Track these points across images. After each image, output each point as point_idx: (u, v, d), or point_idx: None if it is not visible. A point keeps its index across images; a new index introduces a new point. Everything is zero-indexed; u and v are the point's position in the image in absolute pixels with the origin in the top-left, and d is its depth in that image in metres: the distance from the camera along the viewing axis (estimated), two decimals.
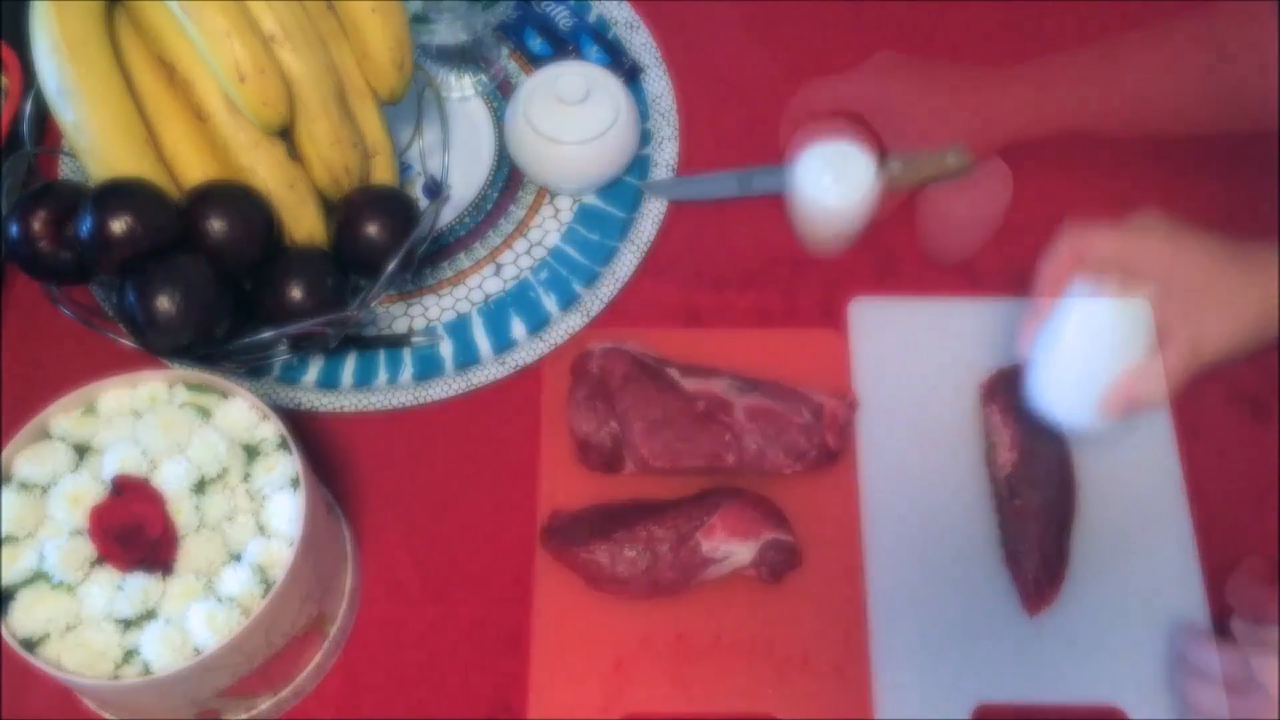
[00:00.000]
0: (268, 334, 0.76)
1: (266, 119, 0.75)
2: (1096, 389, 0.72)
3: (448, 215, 0.91)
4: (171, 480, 0.67)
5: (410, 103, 0.88)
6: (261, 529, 0.68)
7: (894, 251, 0.90)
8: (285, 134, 0.78)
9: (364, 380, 0.84)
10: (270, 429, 0.70)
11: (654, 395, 0.80)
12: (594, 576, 0.76)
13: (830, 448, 0.79)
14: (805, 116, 0.89)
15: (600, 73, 0.90)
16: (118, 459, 0.67)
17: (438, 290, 0.88)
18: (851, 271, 0.89)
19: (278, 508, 0.68)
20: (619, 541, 0.75)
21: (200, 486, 0.68)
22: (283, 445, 0.70)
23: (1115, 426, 0.74)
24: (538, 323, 0.86)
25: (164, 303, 0.72)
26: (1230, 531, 0.79)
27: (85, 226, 0.73)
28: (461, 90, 0.96)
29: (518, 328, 0.87)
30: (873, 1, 1.01)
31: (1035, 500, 0.77)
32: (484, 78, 0.97)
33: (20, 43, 0.81)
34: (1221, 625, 0.75)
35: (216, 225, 0.75)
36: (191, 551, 0.66)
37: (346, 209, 0.81)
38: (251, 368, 0.83)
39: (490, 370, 0.84)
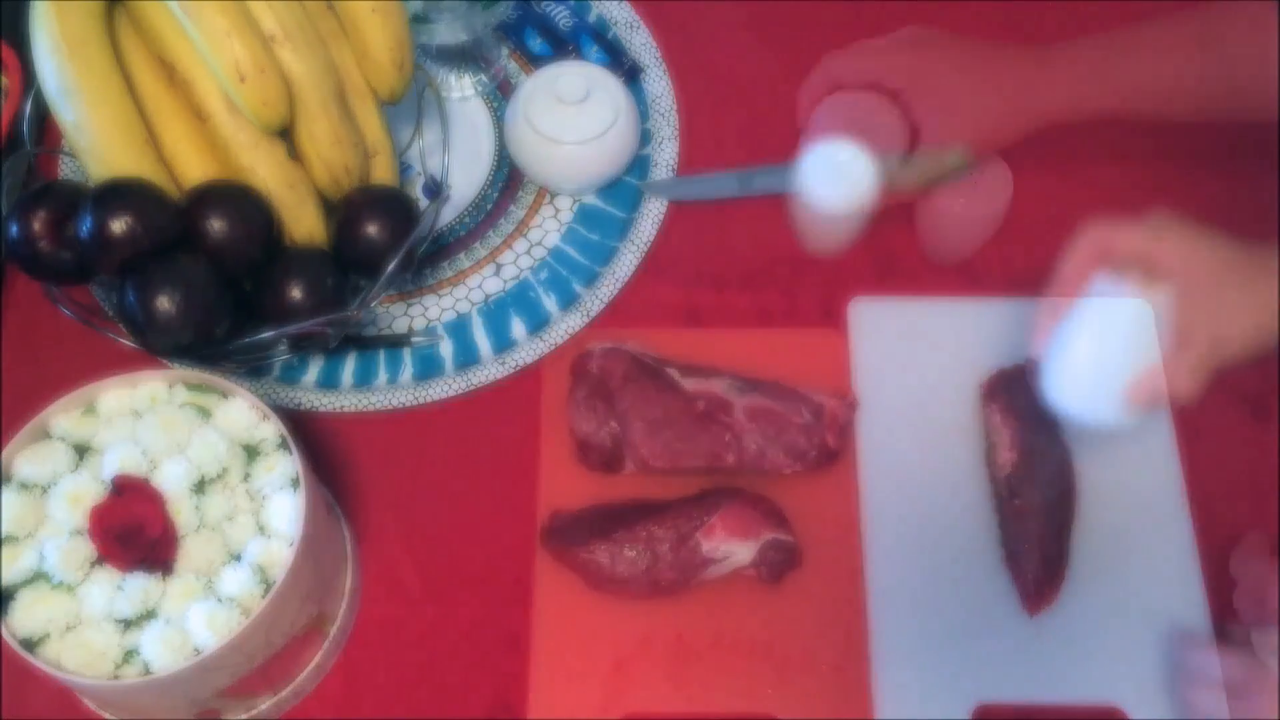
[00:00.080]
0: (268, 334, 0.76)
1: (266, 119, 0.75)
2: (1114, 386, 0.72)
3: (448, 215, 0.91)
4: (171, 480, 0.67)
5: (410, 103, 0.88)
6: (261, 529, 0.68)
7: (894, 251, 0.90)
8: (285, 134, 0.78)
9: (364, 380, 0.84)
10: (270, 429, 0.70)
11: (654, 395, 0.80)
12: (594, 576, 0.76)
13: (830, 448, 0.79)
14: (828, 88, 0.85)
15: (600, 73, 0.90)
16: (118, 459, 0.67)
17: (438, 290, 0.88)
18: (851, 271, 0.89)
19: (278, 508, 0.68)
20: (619, 541, 0.75)
21: (200, 486, 0.68)
22: (283, 445, 0.70)
23: (1125, 424, 0.73)
24: (538, 323, 0.86)
25: (164, 303, 0.72)
26: (1230, 532, 0.79)
27: (85, 226, 0.73)
28: (461, 90, 0.96)
29: (518, 328, 0.87)
30: (873, 1, 1.01)
31: (1035, 500, 0.77)
32: (484, 78, 0.97)
33: (20, 43, 0.81)
34: (1221, 626, 0.75)
35: (216, 225, 0.75)
36: (191, 551, 0.66)
37: (346, 209, 0.81)
38: (251, 368, 0.83)
39: (490, 370, 0.84)
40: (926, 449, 0.82)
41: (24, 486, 0.67)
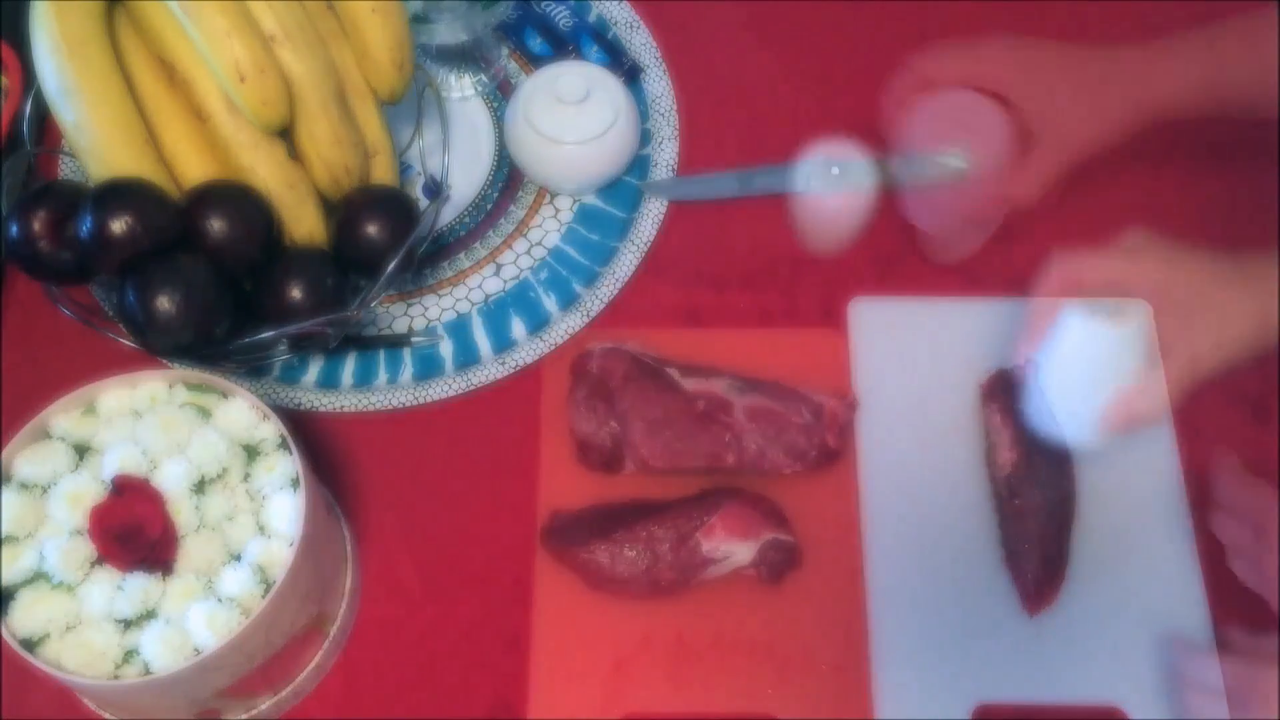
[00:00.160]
0: (268, 334, 0.76)
1: (266, 119, 0.75)
2: (1096, 406, 0.72)
3: (448, 215, 0.91)
4: (171, 480, 0.67)
5: (410, 103, 0.88)
6: (261, 529, 0.68)
7: (894, 251, 0.90)
8: (285, 134, 0.78)
9: (364, 380, 0.84)
10: (270, 429, 0.70)
11: (654, 395, 0.80)
12: (594, 576, 0.76)
13: (830, 448, 0.79)
14: (918, 89, 0.82)
15: (600, 73, 0.90)
16: (118, 459, 0.67)
17: (438, 290, 0.88)
18: (851, 271, 0.89)
19: (278, 508, 0.68)
20: (619, 541, 0.75)
21: (200, 486, 0.68)
22: (283, 445, 0.70)
23: (1115, 442, 0.74)
24: (538, 323, 0.86)
25: (164, 303, 0.72)
26: None
27: (85, 226, 0.73)
28: (461, 90, 0.96)
29: (518, 328, 0.87)
30: (873, 1, 1.01)
31: (1035, 500, 0.77)
32: (484, 78, 0.97)
33: (20, 43, 0.81)
34: (1220, 630, 0.75)
35: (216, 225, 0.75)
36: (191, 551, 0.66)
37: (346, 209, 0.81)
38: (251, 368, 0.83)
39: (490, 370, 0.84)
40: (926, 449, 0.82)
41: (24, 486, 0.67)
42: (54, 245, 0.75)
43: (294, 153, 0.79)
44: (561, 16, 0.99)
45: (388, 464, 0.82)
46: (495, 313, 0.87)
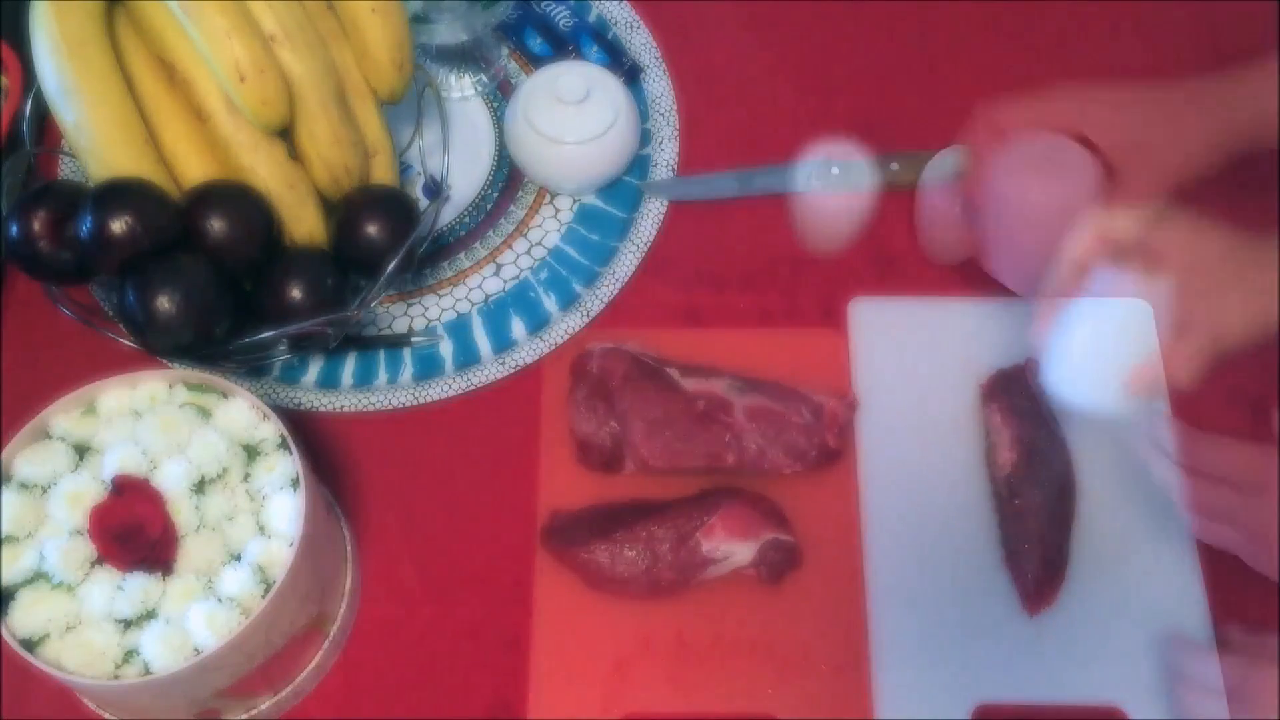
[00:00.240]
0: (268, 334, 0.76)
1: (266, 119, 0.75)
2: (1113, 375, 0.71)
3: (448, 215, 0.91)
4: (171, 480, 0.67)
5: (410, 103, 0.88)
6: (261, 529, 0.68)
7: (894, 251, 0.90)
8: (285, 134, 0.78)
9: (364, 380, 0.84)
10: (270, 429, 0.70)
11: (654, 395, 0.80)
12: (594, 576, 0.76)
13: (830, 448, 0.79)
14: (997, 137, 0.78)
15: (600, 73, 0.90)
16: (118, 459, 0.67)
17: (438, 290, 0.88)
18: (851, 271, 0.89)
19: (278, 508, 0.68)
20: (619, 541, 0.75)
21: (200, 486, 0.68)
22: (283, 445, 0.70)
23: (1123, 413, 0.73)
24: (538, 323, 0.86)
25: (164, 303, 0.72)
26: None
27: (85, 226, 0.73)
28: (461, 90, 0.96)
29: (518, 328, 0.87)
30: (873, 1, 1.01)
31: (1035, 500, 0.77)
32: (484, 78, 0.97)
33: (20, 43, 0.81)
34: (1220, 629, 0.75)
35: (216, 225, 0.75)
36: (191, 551, 0.66)
37: (346, 209, 0.81)
38: (251, 368, 0.83)
39: (490, 370, 0.84)
40: (926, 449, 0.82)
41: (24, 486, 0.67)
42: (54, 245, 0.75)
43: (294, 153, 0.79)
44: (561, 16, 0.99)
45: (388, 464, 0.82)
46: (495, 313, 0.87)
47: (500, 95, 0.97)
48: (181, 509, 0.67)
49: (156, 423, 0.68)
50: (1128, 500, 0.79)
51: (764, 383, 0.82)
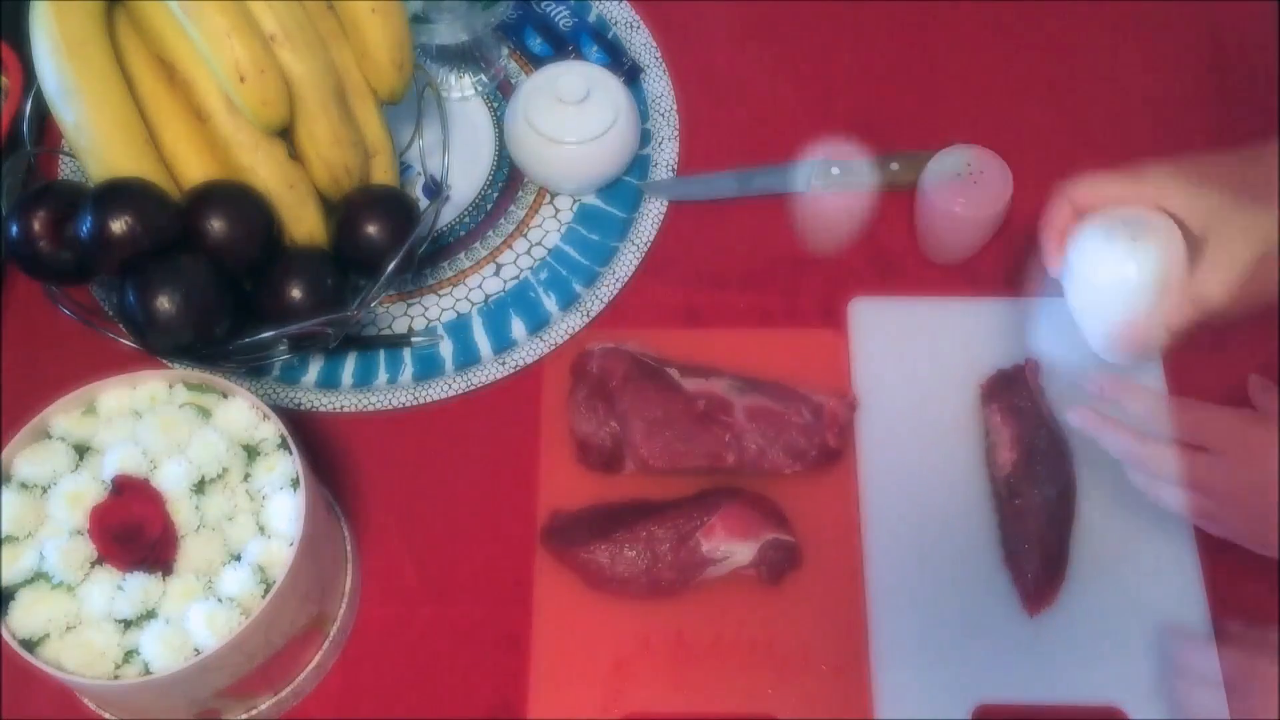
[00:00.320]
0: (268, 334, 0.76)
1: (266, 119, 0.75)
2: (1113, 321, 0.71)
3: (448, 215, 0.91)
4: (171, 480, 0.67)
5: (410, 103, 0.88)
6: (261, 529, 0.68)
7: (894, 251, 0.90)
8: (285, 134, 0.78)
9: (364, 380, 0.84)
10: (270, 429, 0.70)
11: (654, 395, 0.80)
12: (594, 576, 0.76)
13: (830, 448, 0.79)
14: (1076, 217, 0.76)
15: (600, 73, 0.90)
16: (118, 459, 0.67)
17: (438, 290, 0.88)
18: (851, 271, 0.89)
19: (278, 508, 0.68)
20: (619, 541, 0.75)
21: (200, 486, 0.68)
22: (283, 445, 0.70)
23: (1120, 361, 0.73)
24: (538, 323, 0.86)
25: (164, 303, 0.72)
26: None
27: (85, 226, 0.73)
28: (461, 90, 0.96)
29: (518, 328, 0.87)
30: (873, 1, 1.01)
31: (1035, 500, 0.77)
32: (484, 78, 0.97)
33: (20, 43, 0.81)
34: (1219, 624, 0.75)
35: (216, 225, 0.75)
36: (191, 551, 0.66)
37: (346, 209, 0.81)
38: (251, 368, 0.83)
39: (490, 370, 0.84)
40: (926, 449, 0.82)
41: (24, 486, 0.67)
42: (54, 245, 0.75)
43: (294, 153, 0.79)
44: (561, 16, 0.99)
45: (388, 464, 0.82)
46: (495, 313, 0.87)
47: (500, 95, 0.97)
48: (181, 509, 0.67)
49: (156, 423, 0.68)
50: (1128, 500, 0.79)
51: (764, 383, 0.82)
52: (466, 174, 0.93)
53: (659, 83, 0.96)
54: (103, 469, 0.68)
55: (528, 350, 0.84)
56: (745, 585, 0.77)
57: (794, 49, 0.99)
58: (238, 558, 0.67)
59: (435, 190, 0.90)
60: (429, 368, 0.85)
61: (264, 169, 0.77)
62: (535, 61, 0.97)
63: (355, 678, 0.76)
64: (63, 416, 0.70)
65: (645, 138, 0.93)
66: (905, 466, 0.81)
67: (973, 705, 0.74)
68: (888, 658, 0.75)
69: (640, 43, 0.97)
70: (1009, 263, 0.88)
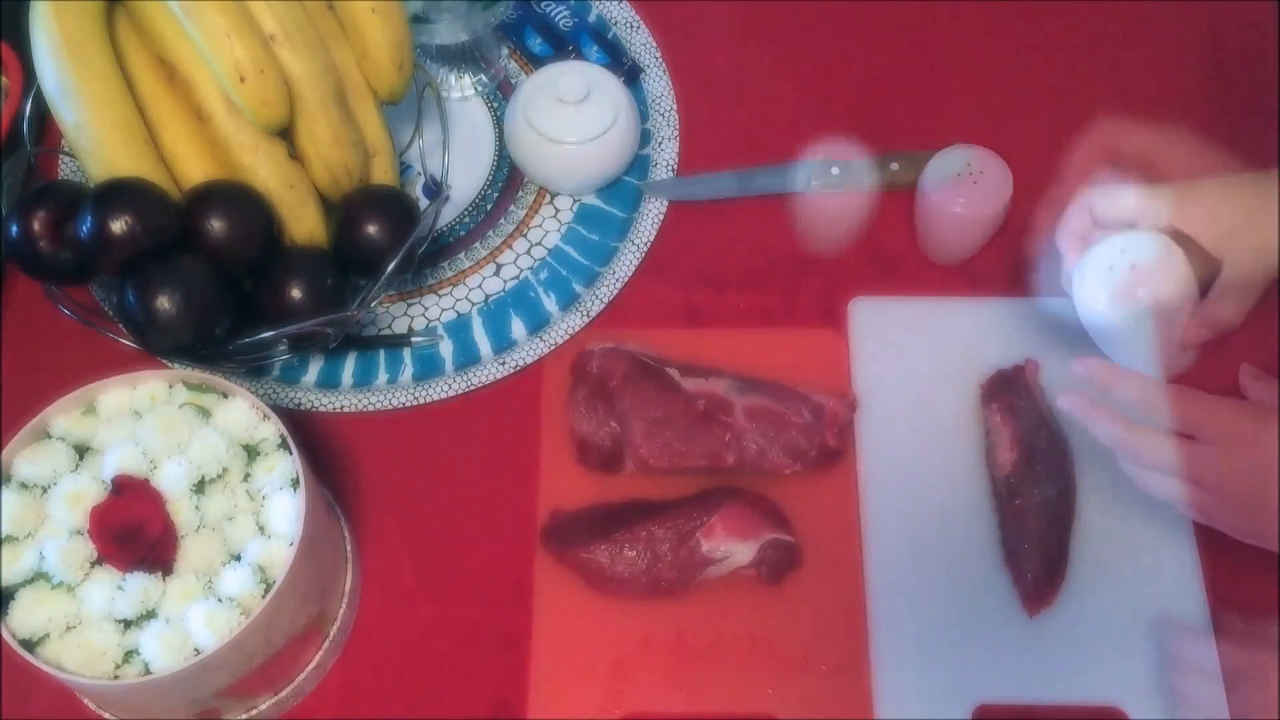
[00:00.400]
0: (268, 334, 0.76)
1: (266, 119, 0.75)
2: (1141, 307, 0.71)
3: (448, 215, 0.91)
4: (171, 480, 0.67)
5: (410, 103, 0.88)
6: (261, 529, 0.68)
7: (894, 251, 0.90)
8: (285, 134, 0.78)
9: (364, 380, 0.84)
10: (270, 429, 0.70)
11: (654, 395, 0.80)
12: (594, 576, 0.76)
13: (830, 448, 0.79)
14: (1091, 227, 0.76)
15: (600, 73, 0.90)
16: (118, 459, 0.67)
17: (438, 290, 0.88)
18: (851, 271, 0.89)
19: (278, 508, 0.68)
20: (619, 541, 0.75)
21: (200, 486, 0.68)
22: (283, 445, 0.70)
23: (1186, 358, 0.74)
24: (538, 323, 0.86)
25: (164, 303, 0.72)
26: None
27: (85, 226, 0.73)
28: (461, 90, 0.96)
29: (518, 328, 0.87)
30: (873, 1, 1.01)
31: (1035, 500, 0.77)
32: (484, 78, 0.97)
33: (20, 43, 0.81)
34: (1218, 617, 0.75)
35: (216, 225, 0.75)
36: (191, 551, 0.66)
37: (346, 209, 0.81)
38: (251, 368, 0.83)
39: (490, 370, 0.84)
40: (926, 449, 0.82)
41: (24, 486, 0.67)
42: (54, 245, 0.75)
43: (294, 153, 0.79)
44: (561, 16, 0.99)
45: (388, 464, 0.82)
46: (495, 313, 0.87)
47: (500, 95, 0.97)
48: (181, 509, 0.67)
49: (156, 423, 0.68)
50: (1128, 500, 0.79)
51: (764, 383, 0.82)
52: (466, 174, 0.93)
53: (659, 83, 0.96)
54: (103, 469, 0.68)
55: (528, 350, 0.84)
56: (745, 585, 0.77)
57: (794, 49, 0.99)
58: (238, 558, 0.67)
59: (435, 190, 0.90)
60: (429, 368, 0.85)
61: (264, 169, 0.77)
62: (535, 61, 0.97)
63: (355, 678, 0.76)
64: (63, 416, 0.70)
65: (645, 138, 0.93)
66: (905, 466, 0.81)
67: (973, 705, 0.74)
68: (888, 658, 0.75)
69: (640, 43, 0.97)
70: (1009, 263, 0.88)
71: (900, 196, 0.90)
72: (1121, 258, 0.71)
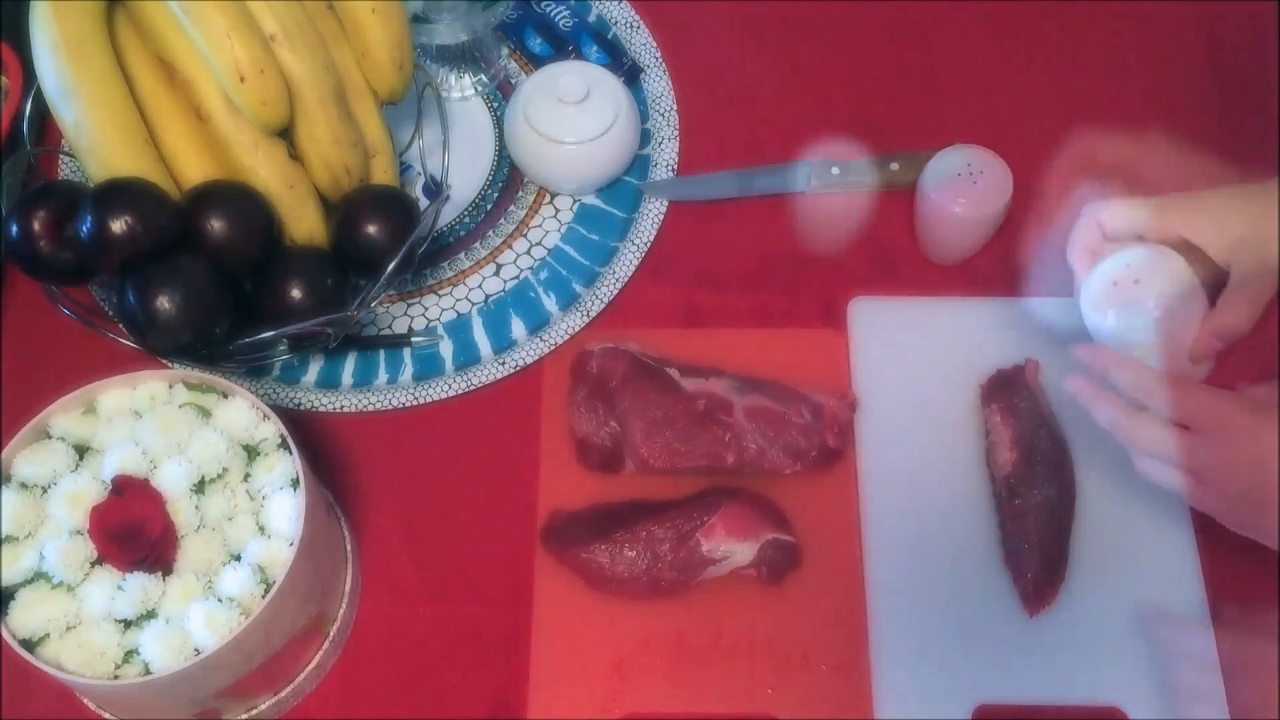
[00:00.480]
0: (268, 334, 0.76)
1: (266, 119, 0.75)
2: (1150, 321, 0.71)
3: (448, 215, 0.91)
4: (171, 480, 0.67)
5: (410, 103, 0.88)
6: (261, 529, 0.68)
7: (894, 251, 0.90)
8: (285, 134, 0.78)
9: (364, 380, 0.84)
10: (270, 429, 0.70)
11: (654, 395, 0.80)
12: (594, 576, 0.76)
13: (830, 448, 0.79)
14: (1101, 239, 0.76)
15: (600, 73, 0.90)
16: (118, 459, 0.67)
17: (438, 290, 0.88)
18: (851, 271, 0.89)
19: (278, 508, 0.68)
20: (619, 541, 0.75)
21: (200, 486, 0.68)
22: (283, 445, 0.70)
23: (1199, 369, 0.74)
24: (538, 323, 0.86)
25: (164, 303, 0.72)
26: (1230, 531, 0.78)
27: (85, 226, 0.73)
28: (461, 90, 0.96)
29: (518, 328, 0.87)
30: (873, 1, 1.01)
31: (1035, 500, 0.77)
32: (484, 78, 0.97)
33: (20, 43, 0.81)
34: (1219, 622, 0.75)
35: (216, 225, 0.75)
36: (191, 551, 0.66)
37: (346, 209, 0.81)
38: (251, 368, 0.83)
39: (490, 370, 0.84)
40: (926, 449, 0.82)
41: (24, 486, 0.67)
42: (54, 245, 0.75)
43: (294, 153, 0.79)
44: (561, 16, 0.99)
45: (388, 464, 0.82)
46: (495, 313, 0.87)
47: (500, 95, 0.97)
48: (181, 509, 0.67)
49: (156, 423, 0.68)
50: (1128, 500, 0.79)
51: (764, 383, 0.82)
52: (466, 174, 0.93)
53: (659, 83, 0.96)
54: (103, 469, 0.68)
55: (528, 350, 0.84)
56: (745, 585, 0.77)
57: (794, 49, 0.99)
58: (238, 558, 0.67)
59: (435, 190, 0.90)
60: (429, 368, 0.85)
61: (264, 169, 0.77)
62: (535, 61, 0.97)
63: (355, 678, 0.76)
64: (63, 416, 0.70)
65: (645, 138, 0.93)
66: (905, 466, 0.81)
67: (973, 705, 0.74)
68: (888, 658, 0.75)
69: (640, 43, 0.97)
70: (1009, 263, 0.88)
71: (900, 196, 0.90)
72: (1126, 273, 0.72)
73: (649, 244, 0.89)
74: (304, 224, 0.80)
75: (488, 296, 0.88)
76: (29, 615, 0.64)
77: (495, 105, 0.96)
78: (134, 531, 0.65)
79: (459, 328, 0.87)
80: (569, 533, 0.77)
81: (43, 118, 0.86)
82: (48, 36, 0.75)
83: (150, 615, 0.65)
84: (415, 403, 0.83)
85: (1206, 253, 0.72)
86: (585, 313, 0.86)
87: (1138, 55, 0.99)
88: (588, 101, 0.87)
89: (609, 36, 0.98)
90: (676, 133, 0.94)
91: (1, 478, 0.67)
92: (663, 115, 0.94)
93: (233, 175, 0.78)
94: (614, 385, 0.80)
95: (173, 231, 0.74)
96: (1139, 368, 0.70)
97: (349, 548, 0.77)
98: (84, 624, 0.64)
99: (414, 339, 0.86)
